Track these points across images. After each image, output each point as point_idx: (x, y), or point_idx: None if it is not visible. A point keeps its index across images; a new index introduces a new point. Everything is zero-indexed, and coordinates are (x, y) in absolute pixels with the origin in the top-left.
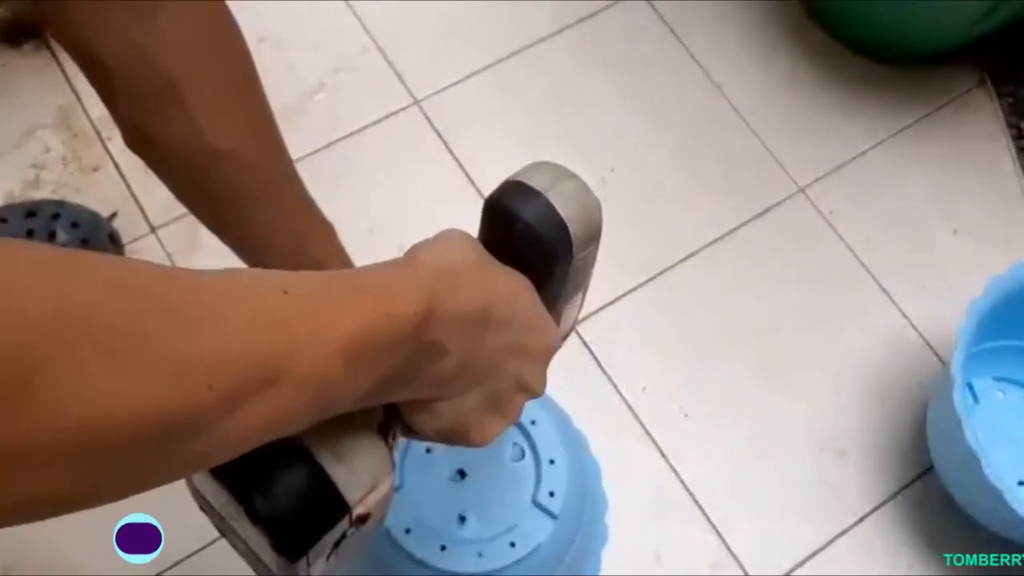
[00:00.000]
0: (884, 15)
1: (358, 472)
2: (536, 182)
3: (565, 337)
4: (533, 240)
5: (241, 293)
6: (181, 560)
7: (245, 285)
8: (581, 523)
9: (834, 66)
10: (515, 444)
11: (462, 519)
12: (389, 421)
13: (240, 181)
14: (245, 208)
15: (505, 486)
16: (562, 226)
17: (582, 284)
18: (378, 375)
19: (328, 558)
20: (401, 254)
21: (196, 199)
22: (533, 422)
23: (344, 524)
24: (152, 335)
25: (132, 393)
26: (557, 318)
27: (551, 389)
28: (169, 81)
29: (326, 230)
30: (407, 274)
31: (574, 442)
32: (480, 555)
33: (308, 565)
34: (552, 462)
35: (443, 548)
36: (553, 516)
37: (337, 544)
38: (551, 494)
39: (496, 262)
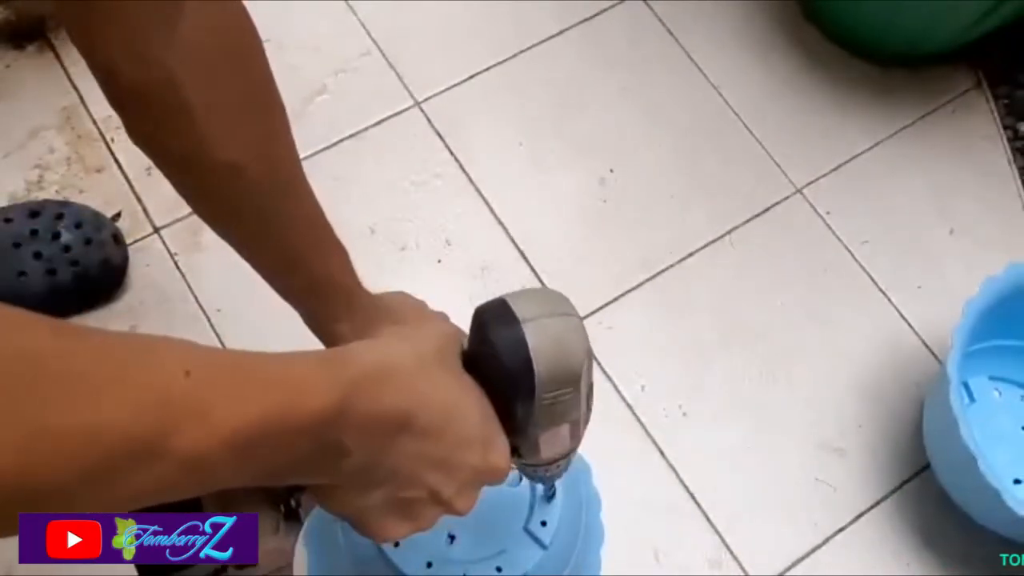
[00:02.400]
0: (880, 17)
1: None
2: (520, 309)
3: (552, 463)
4: (495, 366)
5: (138, 367)
6: None
7: (146, 360)
8: (572, 556)
9: (831, 67)
10: (513, 468)
11: (451, 538)
12: (294, 488)
13: (243, 195)
14: (248, 221)
15: (498, 510)
16: (526, 362)
17: (559, 421)
18: (270, 464)
19: None
20: (402, 254)
21: (201, 208)
22: None
23: (208, 567)
24: (18, 399)
25: None
26: (533, 446)
27: None
28: (178, 92)
29: (332, 250)
30: (328, 371)
31: (575, 472)
32: None
33: None
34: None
35: (429, 565)
36: (543, 546)
37: None
38: (543, 523)
39: (453, 370)
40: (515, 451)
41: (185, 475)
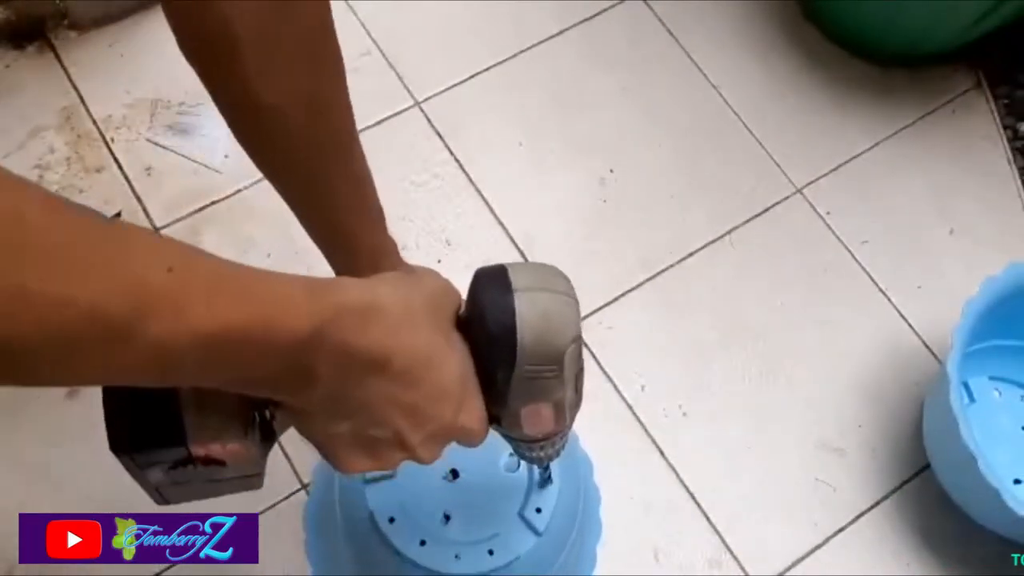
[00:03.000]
0: (880, 17)
1: (206, 422)
2: (516, 278)
3: (536, 441)
4: (482, 328)
5: (123, 251)
6: None
7: (132, 246)
8: (566, 545)
9: (831, 67)
10: (511, 454)
11: (447, 518)
12: (268, 401)
13: (288, 142)
14: (292, 170)
15: (494, 493)
16: (510, 328)
17: (541, 398)
18: (237, 373)
19: (167, 473)
20: (402, 254)
21: (251, 152)
22: None
23: (179, 453)
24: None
25: None
26: (513, 418)
27: None
28: (229, 36)
29: (371, 212)
30: (312, 296)
31: (575, 465)
32: (457, 557)
33: (138, 467)
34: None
35: (423, 543)
36: (537, 532)
37: (175, 467)
38: (538, 510)
39: (440, 325)
40: (496, 420)
41: (151, 362)
